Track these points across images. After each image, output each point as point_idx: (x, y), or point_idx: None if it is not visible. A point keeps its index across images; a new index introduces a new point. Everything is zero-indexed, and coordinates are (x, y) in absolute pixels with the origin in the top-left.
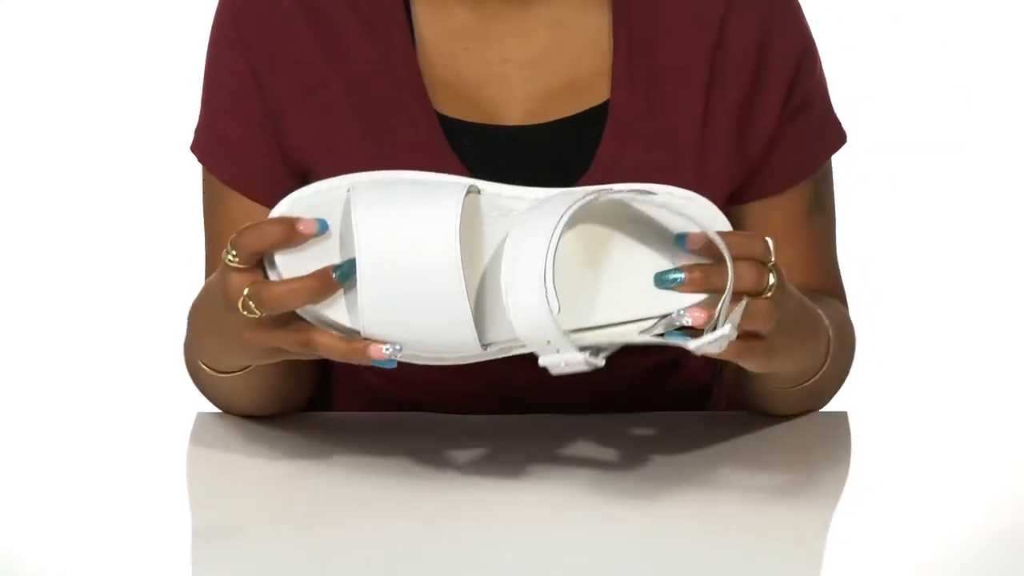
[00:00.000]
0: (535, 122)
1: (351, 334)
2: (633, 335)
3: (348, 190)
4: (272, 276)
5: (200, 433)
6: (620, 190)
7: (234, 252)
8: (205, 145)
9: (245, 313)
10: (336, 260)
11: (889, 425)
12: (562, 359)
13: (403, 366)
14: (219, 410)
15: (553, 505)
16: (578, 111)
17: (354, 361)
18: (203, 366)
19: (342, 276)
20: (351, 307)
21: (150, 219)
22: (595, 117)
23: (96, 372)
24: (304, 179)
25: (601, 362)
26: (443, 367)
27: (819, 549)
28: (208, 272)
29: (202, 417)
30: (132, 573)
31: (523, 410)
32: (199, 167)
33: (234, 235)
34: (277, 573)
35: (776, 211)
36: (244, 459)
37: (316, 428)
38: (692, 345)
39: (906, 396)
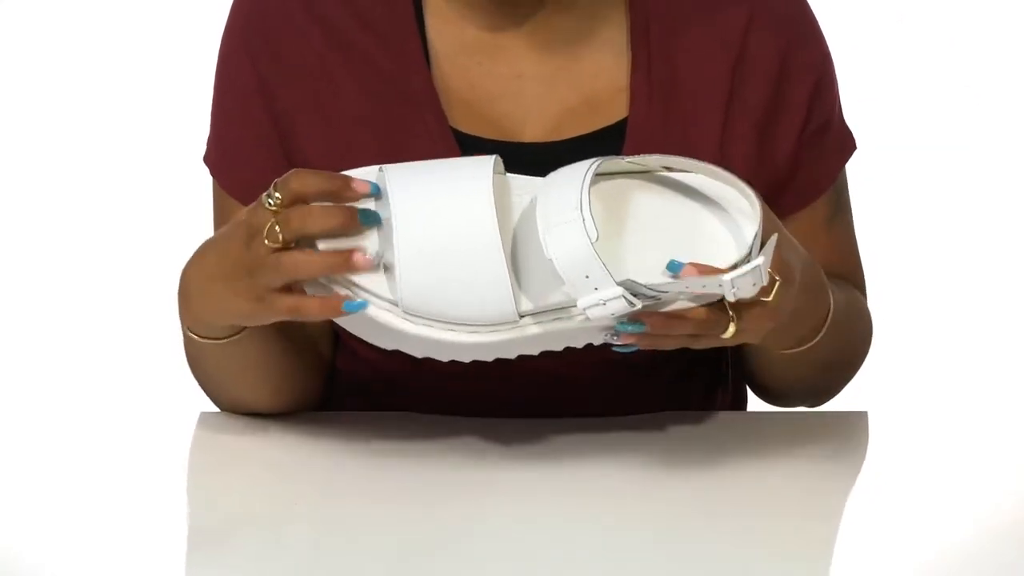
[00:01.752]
0: (552, 139)
1: (390, 305)
2: (667, 278)
3: (380, 170)
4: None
5: (203, 433)
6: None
7: (277, 196)
8: (214, 156)
9: (267, 242)
10: (371, 241)
11: (908, 425)
12: (601, 296)
13: (411, 369)
14: (221, 410)
15: (558, 505)
16: (596, 128)
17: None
18: (191, 334)
19: (366, 220)
20: (389, 278)
21: (154, 221)
22: (613, 134)
23: (99, 372)
24: None
25: (639, 304)
26: (454, 373)
27: (837, 548)
28: None
29: (205, 417)
30: (133, 572)
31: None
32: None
33: (282, 178)
34: (278, 572)
35: (797, 222)
36: (246, 459)
37: (317, 427)
38: (727, 277)
39: (925, 396)
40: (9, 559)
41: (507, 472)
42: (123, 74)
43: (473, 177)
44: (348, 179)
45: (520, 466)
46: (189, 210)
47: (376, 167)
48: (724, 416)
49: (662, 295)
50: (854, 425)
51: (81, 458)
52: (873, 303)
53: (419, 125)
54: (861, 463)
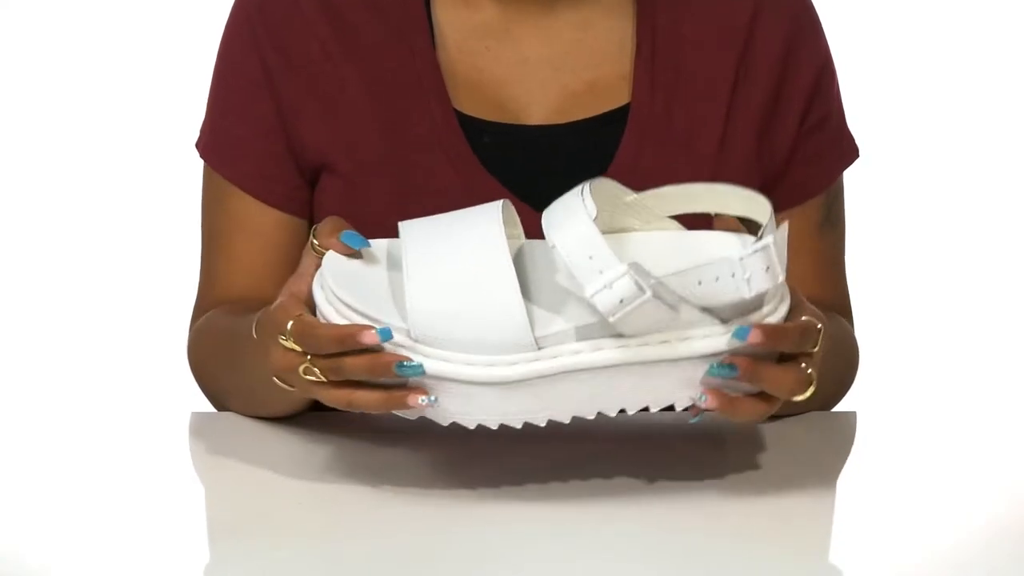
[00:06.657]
0: (555, 122)
1: (401, 332)
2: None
3: (399, 225)
4: (326, 305)
5: (195, 433)
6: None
7: (293, 341)
8: (211, 144)
9: (307, 376)
10: (388, 298)
11: (896, 424)
12: (607, 279)
13: None
14: (213, 409)
15: (556, 504)
16: (599, 113)
17: (393, 408)
18: (279, 382)
19: (404, 373)
20: (400, 307)
21: (147, 224)
22: (615, 119)
23: (91, 373)
24: (317, 177)
25: (648, 293)
26: None
27: (825, 545)
28: (204, 270)
29: (196, 417)
30: (128, 573)
31: None
32: (199, 165)
33: (293, 325)
34: (274, 573)
35: (788, 224)
36: (240, 460)
37: (314, 428)
38: (736, 255)
39: (914, 396)
40: (9, 559)
41: (506, 472)
42: (115, 68)
43: (483, 211)
44: (356, 335)
45: (519, 465)
46: (182, 214)
47: (395, 236)
48: (715, 416)
49: (672, 287)
50: (843, 424)
51: (72, 461)
52: (861, 304)
53: (423, 109)
54: (850, 462)
